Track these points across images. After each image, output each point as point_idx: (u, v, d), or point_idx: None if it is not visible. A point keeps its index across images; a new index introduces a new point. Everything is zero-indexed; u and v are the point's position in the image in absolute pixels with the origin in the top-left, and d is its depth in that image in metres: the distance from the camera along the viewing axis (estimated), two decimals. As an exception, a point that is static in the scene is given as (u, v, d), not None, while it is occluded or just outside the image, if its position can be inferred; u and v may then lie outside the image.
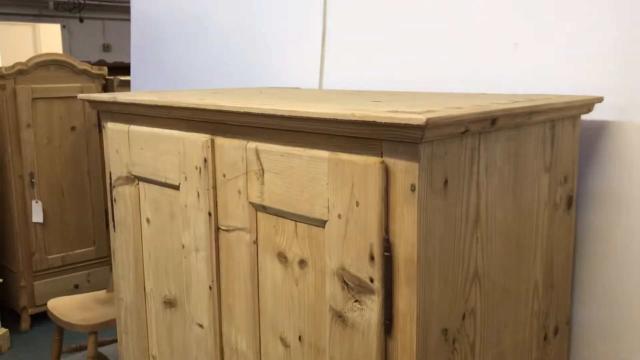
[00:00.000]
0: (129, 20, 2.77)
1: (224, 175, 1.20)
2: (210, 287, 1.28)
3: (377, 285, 0.94)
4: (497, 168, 1.03)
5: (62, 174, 3.77)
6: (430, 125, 0.83)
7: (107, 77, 3.93)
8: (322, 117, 0.96)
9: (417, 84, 1.60)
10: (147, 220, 1.48)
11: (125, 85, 3.85)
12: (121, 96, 1.48)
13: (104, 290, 3.05)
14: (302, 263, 1.08)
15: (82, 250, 3.89)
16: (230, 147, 1.18)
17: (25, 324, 3.70)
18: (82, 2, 8.80)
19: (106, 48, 9.31)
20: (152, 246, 1.48)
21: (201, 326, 1.33)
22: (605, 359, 1.30)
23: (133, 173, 1.49)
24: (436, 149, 0.89)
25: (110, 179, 1.59)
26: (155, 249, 1.47)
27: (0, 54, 6.93)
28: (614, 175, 1.25)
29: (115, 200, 1.59)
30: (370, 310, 0.95)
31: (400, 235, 0.91)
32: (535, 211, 1.14)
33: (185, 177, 1.30)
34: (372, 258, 0.94)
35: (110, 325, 2.73)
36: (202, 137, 1.24)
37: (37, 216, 3.64)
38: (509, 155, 1.05)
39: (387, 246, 0.92)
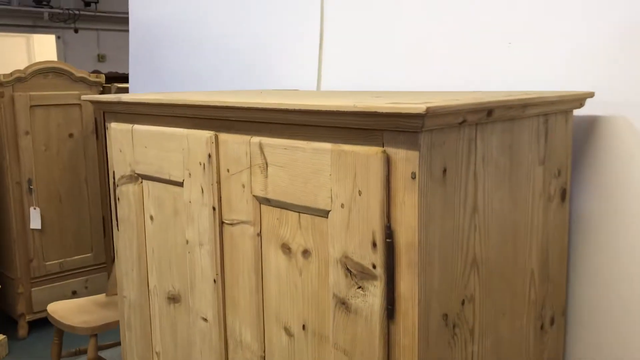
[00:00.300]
0: (123, 31, 2.81)
1: (228, 170, 1.24)
2: (214, 281, 1.31)
3: (379, 271, 0.97)
4: (494, 159, 1.06)
5: (60, 180, 3.79)
6: (430, 114, 0.87)
7: (105, 84, 3.96)
8: (325, 109, 1.00)
9: (414, 85, 1.64)
10: (151, 217, 1.51)
11: (123, 93, 3.88)
12: (126, 96, 1.52)
13: (103, 295, 3.07)
14: (306, 253, 1.11)
15: (80, 256, 3.90)
16: (234, 143, 1.21)
17: (23, 330, 3.70)
18: (77, 13, 8.86)
19: (101, 58, 9.36)
20: (156, 243, 1.51)
21: (205, 320, 1.36)
22: (600, 351, 1.33)
23: (136, 171, 1.52)
24: (435, 138, 0.93)
25: (114, 178, 1.62)
26: (158, 246, 1.50)
27: (-5, 65, 6.95)
28: (606, 168, 1.29)
29: (118, 199, 1.61)
30: (373, 295, 0.99)
31: (402, 222, 0.94)
32: (531, 203, 1.18)
33: (190, 174, 1.33)
34: (374, 245, 0.97)
35: (110, 328, 2.74)
36: (206, 134, 1.27)
37: (35, 223, 3.66)
38: (505, 147, 1.09)
39: (389, 233, 0.95)
